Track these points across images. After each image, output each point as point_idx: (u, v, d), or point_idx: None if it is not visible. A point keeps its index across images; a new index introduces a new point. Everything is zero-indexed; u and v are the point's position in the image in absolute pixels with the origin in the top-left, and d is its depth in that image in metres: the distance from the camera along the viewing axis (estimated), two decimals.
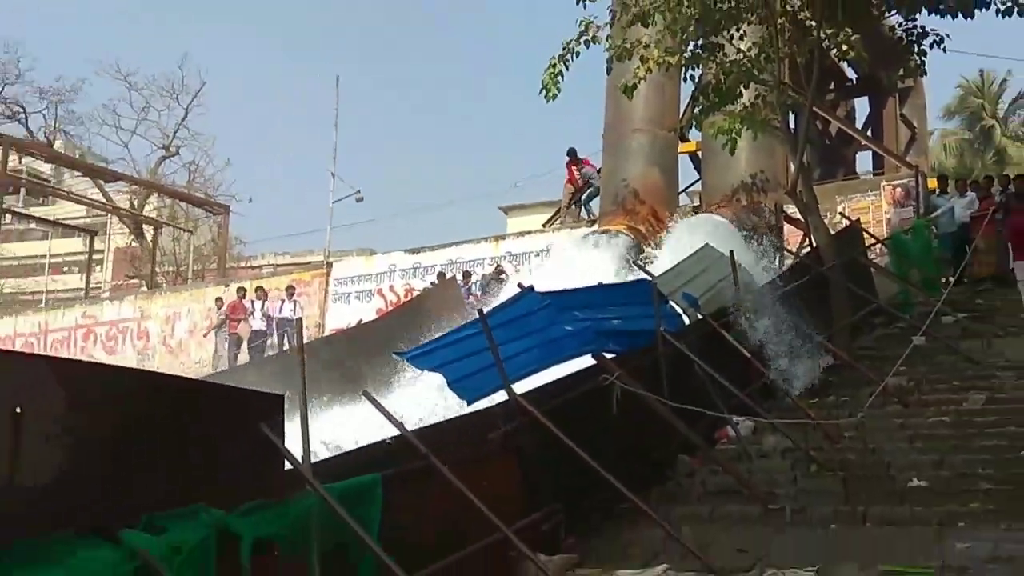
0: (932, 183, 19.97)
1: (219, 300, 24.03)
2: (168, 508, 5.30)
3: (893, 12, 13.34)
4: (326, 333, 22.01)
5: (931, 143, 30.52)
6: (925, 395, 11.33)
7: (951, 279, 15.02)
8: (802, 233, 16.07)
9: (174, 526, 5.23)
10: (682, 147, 22.23)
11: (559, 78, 13.27)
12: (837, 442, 10.00)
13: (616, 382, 9.34)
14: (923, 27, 13.19)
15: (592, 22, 13.37)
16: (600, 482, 8.37)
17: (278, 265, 33.99)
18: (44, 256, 52.20)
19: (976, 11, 12.06)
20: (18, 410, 4.93)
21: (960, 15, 12.17)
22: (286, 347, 20.34)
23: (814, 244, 14.20)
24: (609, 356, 9.84)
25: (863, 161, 26.49)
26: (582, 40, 13.29)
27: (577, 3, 13.10)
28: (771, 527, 8.55)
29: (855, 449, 9.53)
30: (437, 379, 9.45)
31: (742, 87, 13.72)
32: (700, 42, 13.36)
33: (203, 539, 5.32)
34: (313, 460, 6.37)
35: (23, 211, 43.10)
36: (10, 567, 4.40)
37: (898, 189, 19.67)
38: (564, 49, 13.22)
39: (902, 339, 12.68)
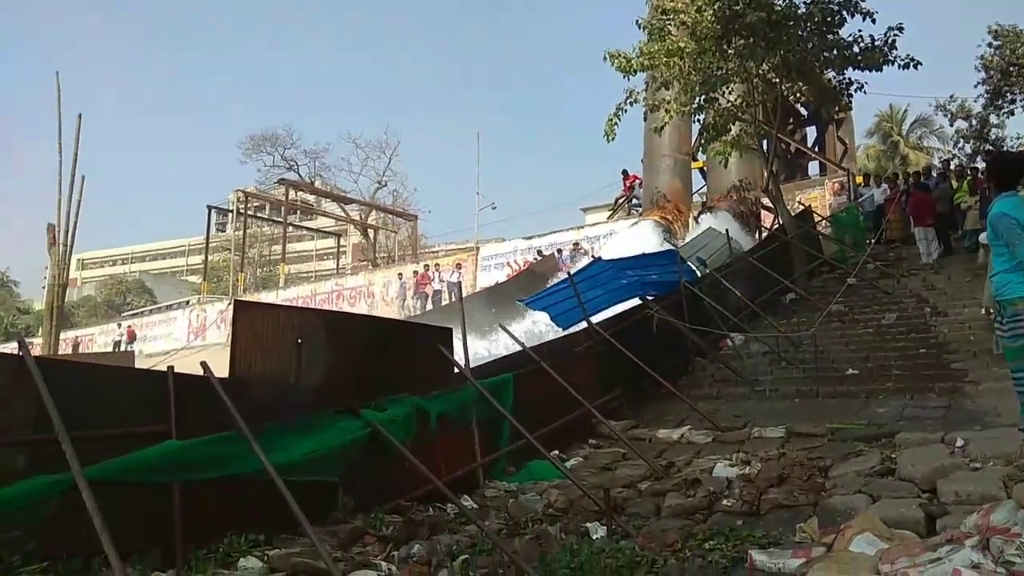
0: (859, 179, 19.06)
1: (400, 275, 24.49)
2: (387, 396, 5.49)
3: (829, 69, 12.78)
4: (477, 290, 22.14)
5: (857, 153, 28.72)
6: (856, 315, 10.87)
7: (872, 240, 14.40)
8: (773, 215, 15.39)
9: (391, 406, 5.41)
10: (694, 164, 21.54)
11: (615, 127, 13.01)
12: (798, 347, 9.69)
13: (655, 313, 9.26)
14: (850, 79, 12.84)
15: (634, 90, 13.11)
16: (646, 376, 8.33)
17: (448, 250, 34.31)
18: (312, 250, 54.17)
19: (884, 67, 11.86)
20: (299, 341, 5.17)
21: (874, 70, 11.93)
22: (454, 299, 20.62)
23: (781, 222, 13.70)
24: (650, 298, 9.71)
25: (813, 167, 25.16)
26: (628, 101, 13.02)
27: (624, 78, 12.86)
28: (756, 401, 8.41)
29: (810, 351, 9.21)
30: (543, 315, 9.49)
31: (731, 124, 13.36)
32: (703, 97, 12.96)
33: (408, 413, 5.49)
34: (471, 366, 6.50)
35: (299, 224, 44.48)
36: (296, 432, 4.63)
37: (836, 184, 18.81)
38: (617, 108, 12.95)
39: (840, 280, 12.25)
